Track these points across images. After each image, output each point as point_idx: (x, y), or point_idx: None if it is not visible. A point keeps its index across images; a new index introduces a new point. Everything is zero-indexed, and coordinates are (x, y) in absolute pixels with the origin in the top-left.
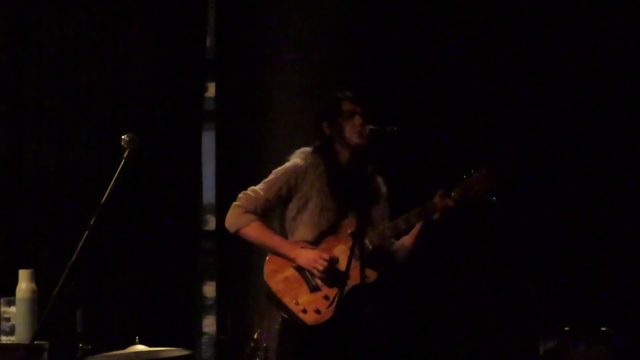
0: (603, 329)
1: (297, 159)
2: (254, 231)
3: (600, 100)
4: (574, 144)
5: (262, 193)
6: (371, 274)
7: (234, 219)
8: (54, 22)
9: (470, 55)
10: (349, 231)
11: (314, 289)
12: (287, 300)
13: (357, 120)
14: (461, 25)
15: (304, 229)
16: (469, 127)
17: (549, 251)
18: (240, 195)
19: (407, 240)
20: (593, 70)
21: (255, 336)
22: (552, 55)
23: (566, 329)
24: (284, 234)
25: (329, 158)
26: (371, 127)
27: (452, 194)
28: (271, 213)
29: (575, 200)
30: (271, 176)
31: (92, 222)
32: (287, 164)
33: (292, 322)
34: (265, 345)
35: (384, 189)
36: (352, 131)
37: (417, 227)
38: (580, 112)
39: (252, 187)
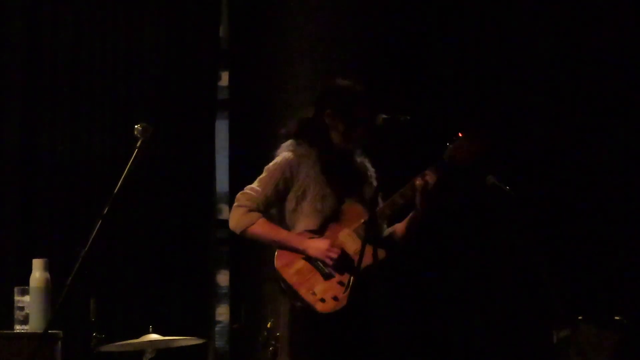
0: (616, 317)
1: (285, 152)
2: (261, 228)
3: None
4: (587, 133)
5: (260, 189)
6: (381, 253)
7: (238, 219)
8: (68, 10)
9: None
10: (362, 220)
11: (327, 276)
12: (304, 292)
13: (367, 129)
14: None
15: (305, 219)
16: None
17: (562, 240)
18: (238, 196)
19: (399, 228)
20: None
21: (268, 325)
22: (558, 43)
23: (579, 317)
24: (285, 227)
25: (322, 146)
26: (384, 116)
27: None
28: (271, 209)
29: (589, 189)
30: (264, 173)
31: (105, 211)
32: (277, 159)
33: (305, 312)
34: (278, 334)
35: (371, 170)
36: (359, 137)
37: (408, 217)
38: (594, 100)
39: (249, 186)
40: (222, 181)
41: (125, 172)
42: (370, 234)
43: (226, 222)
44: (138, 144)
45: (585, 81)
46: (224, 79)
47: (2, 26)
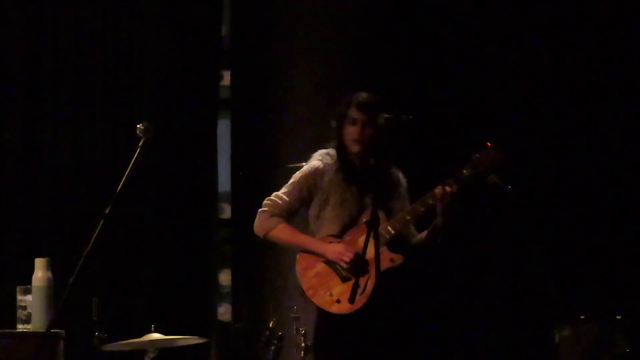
0: (618, 317)
1: (314, 161)
2: (282, 232)
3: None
4: (587, 133)
5: (285, 197)
6: (397, 258)
7: (261, 223)
8: (70, 10)
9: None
10: (364, 220)
11: (345, 279)
12: (322, 293)
13: (355, 129)
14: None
15: (328, 225)
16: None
17: (564, 239)
18: (265, 201)
19: (424, 234)
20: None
21: (270, 324)
22: (562, 46)
23: (581, 316)
24: (310, 233)
25: (340, 154)
26: (386, 115)
27: (464, 171)
28: (295, 215)
29: (590, 188)
30: (291, 180)
31: (107, 211)
32: (305, 167)
33: (328, 314)
34: (280, 333)
35: (403, 182)
36: (349, 138)
37: (431, 225)
38: (595, 99)
39: (275, 193)
40: (223, 181)
41: (127, 171)
42: (370, 234)
43: (228, 221)
44: (140, 144)
45: (585, 81)
46: (226, 78)
47: (2, 26)
